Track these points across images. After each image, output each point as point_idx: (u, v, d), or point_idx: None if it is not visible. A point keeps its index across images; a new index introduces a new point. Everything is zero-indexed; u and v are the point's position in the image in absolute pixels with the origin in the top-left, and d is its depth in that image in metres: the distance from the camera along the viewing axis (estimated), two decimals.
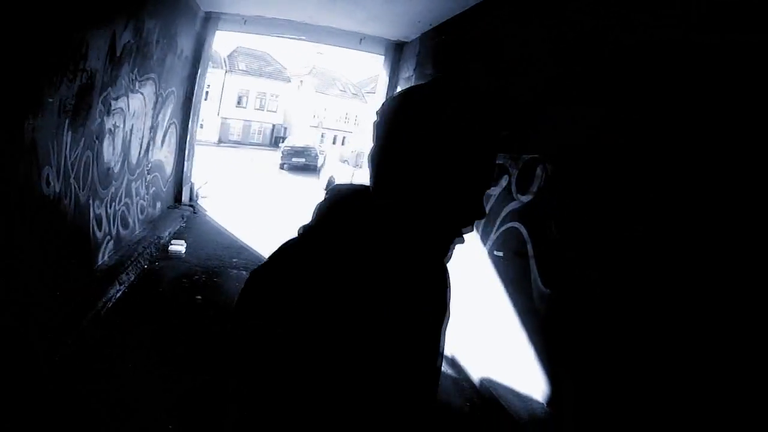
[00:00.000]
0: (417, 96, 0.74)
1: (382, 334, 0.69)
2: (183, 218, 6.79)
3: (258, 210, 8.71)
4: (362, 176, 10.86)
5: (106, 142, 4.26)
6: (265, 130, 39.23)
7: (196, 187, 8.42)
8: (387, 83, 8.41)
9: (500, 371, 3.53)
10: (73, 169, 3.59)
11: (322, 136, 32.81)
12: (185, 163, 7.68)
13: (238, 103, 36.93)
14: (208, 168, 12.11)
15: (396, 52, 8.19)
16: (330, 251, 0.70)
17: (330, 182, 12.93)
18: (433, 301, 0.78)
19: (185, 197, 7.80)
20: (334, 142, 40.43)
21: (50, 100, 3.09)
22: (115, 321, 3.61)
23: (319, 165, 19.39)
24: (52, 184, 3.27)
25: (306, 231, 0.77)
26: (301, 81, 42.46)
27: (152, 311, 3.91)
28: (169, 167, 7.00)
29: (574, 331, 2.94)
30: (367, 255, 0.70)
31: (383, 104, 0.77)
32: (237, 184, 11.77)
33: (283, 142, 27.26)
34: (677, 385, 2.21)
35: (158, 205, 6.60)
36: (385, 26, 7.10)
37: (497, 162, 3.44)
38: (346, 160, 14.60)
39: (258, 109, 38.63)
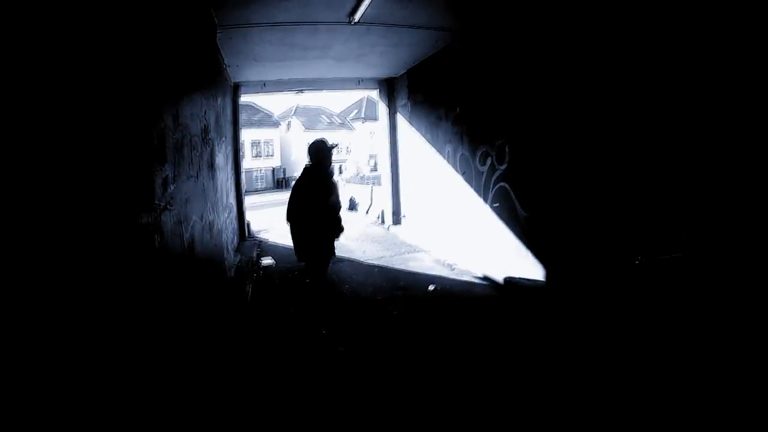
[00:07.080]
0: (314, 141, 4.49)
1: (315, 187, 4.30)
2: (257, 246, 8.40)
3: None
4: (379, 191, 12.43)
5: (216, 188, 5.90)
6: (266, 175, 41.25)
7: (251, 225, 10.07)
8: (387, 111, 10.25)
9: (513, 270, 5.61)
10: (215, 207, 5.22)
11: None
12: (243, 205, 9.36)
13: None
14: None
15: (388, 85, 10.05)
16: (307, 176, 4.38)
17: (351, 201, 14.57)
18: (326, 178, 4.49)
19: (246, 232, 9.44)
20: None
21: (205, 159, 4.75)
22: (264, 298, 5.22)
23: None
24: (210, 215, 4.89)
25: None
26: (289, 122, 44.71)
27: (282, 293, 5.49)
28: (235, 209, 8.65)
29: (541, 233, 5.11)
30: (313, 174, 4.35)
31: (311, 143, 4.58)
32: (272, 219, 13.36)
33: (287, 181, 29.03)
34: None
35: (235, 238, 8.21)
36: (380, 69, 8.90)
37: (482, 150, 6.30)
38: (351, 182, 16.31)
39: (255, 157, 40.68)
